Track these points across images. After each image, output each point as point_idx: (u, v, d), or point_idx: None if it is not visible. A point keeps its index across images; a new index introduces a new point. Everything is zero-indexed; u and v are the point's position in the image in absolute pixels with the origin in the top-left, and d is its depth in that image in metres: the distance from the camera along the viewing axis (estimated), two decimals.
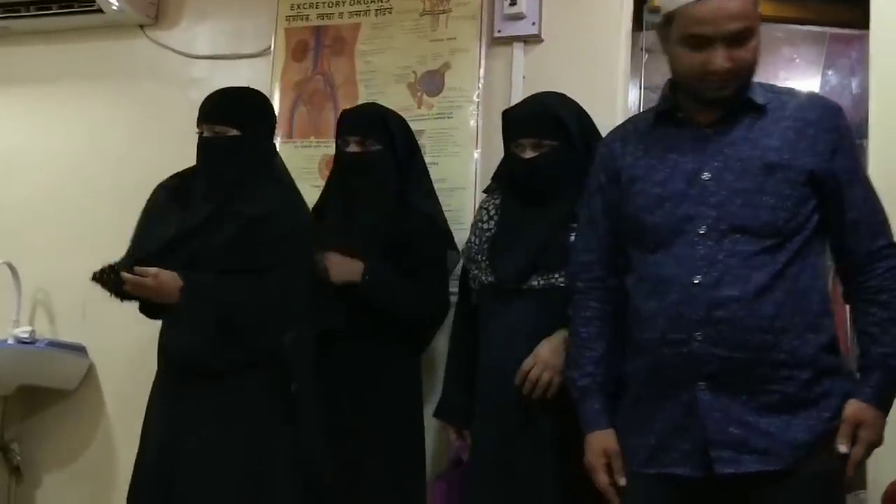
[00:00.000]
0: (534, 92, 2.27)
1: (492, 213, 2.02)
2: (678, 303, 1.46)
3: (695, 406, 1.45)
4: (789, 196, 1.47)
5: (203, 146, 2.03)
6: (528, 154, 1.94)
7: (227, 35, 2.78)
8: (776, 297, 1.44)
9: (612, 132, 1.73)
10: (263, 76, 2.62)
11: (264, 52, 2.68)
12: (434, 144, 2.43)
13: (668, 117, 1.59)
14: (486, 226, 2.01)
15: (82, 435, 2.77)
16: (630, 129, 1.67)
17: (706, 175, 1.50)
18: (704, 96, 1.52)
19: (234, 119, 2.01)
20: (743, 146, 1.50)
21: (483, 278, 1.97)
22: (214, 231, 1.94)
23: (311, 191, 2.48)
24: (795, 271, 1.46)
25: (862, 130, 2.08)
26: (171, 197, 2.06)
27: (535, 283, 1.88)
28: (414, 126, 2.44)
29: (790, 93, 1.59)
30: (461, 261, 2.16)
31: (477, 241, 2.01)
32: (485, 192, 2.13)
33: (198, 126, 2.05)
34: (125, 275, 1.89)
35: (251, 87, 2.17)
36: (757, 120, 1.52)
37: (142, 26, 2.84)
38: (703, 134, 1.54)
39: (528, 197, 1.96)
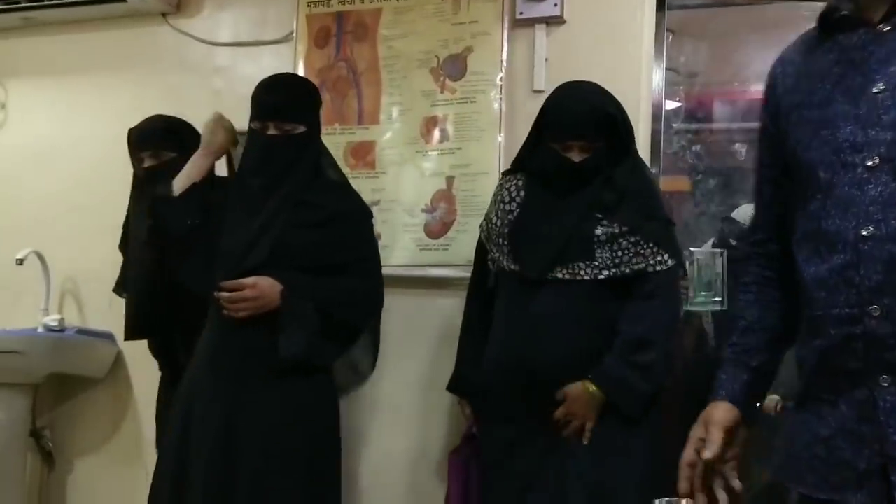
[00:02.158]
0: (556, 74, 2.27)
1: (514, 194, 1.99)
2: (844, 266, 1.11)
3: (873, 407, 1.10)
4: None
5: (268, 143, 1.98)
6: (577, 157, 1.91)
7: (248, 22, 2.78)
8: None
9: (780, 54, 1.33)
10: (286, 63, 2.62)
11: (286, 39, 2.68)
12: (458, 129, 2.42)
13: (835, 22, 1.21)
14: (507, 207, 1.98)
15: (112, 421, 2.81)
16: (796, 44, 1.30)
17: (878, 86, 1.12)
18: None
19: (302, 116, 2.00)
20: None
21: (505, 264, 1.96)
22: (294, 223, 1.94)
23: None
24: None
25: None
26: (236, 201, 2.05)
27: (559, 274, 1.88)
28: (437, 111, 2.46)
29: None
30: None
31: (498, 223, 1.99)
32: (504, 174, 2.10)
33: (257, 121, 1.99)
34: (223, 295, 1.88)
35: (299, 75, 2.15)
36: None
37: (164, 14, 2.85)
38: (875, 33, 1.16)
39: (560, 189, 1.94)
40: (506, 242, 1.96)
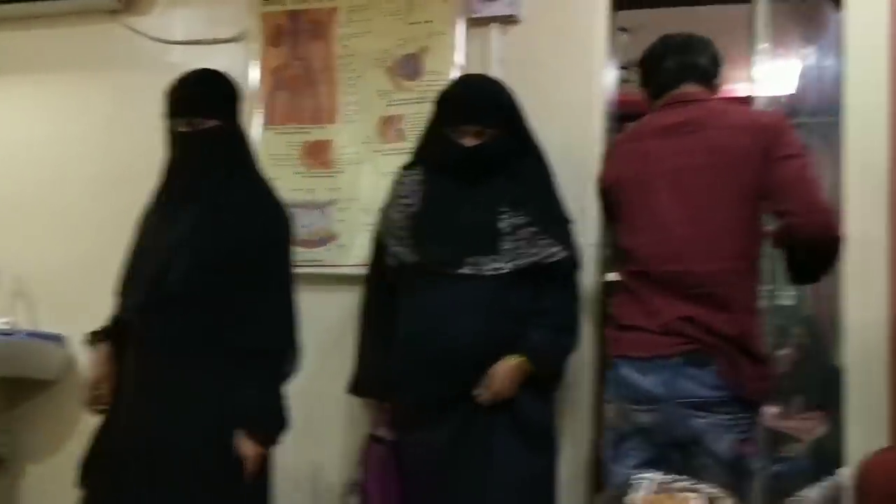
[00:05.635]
0: (512, 73, 2.29)
1: (413, 188, 2.01)
2: None
3: None
4: None
5: (180, 141, 1.92)
6: (470, 142, 1.94)
7: (202, 20, 2.74)
8: None
9: None
10: (240, 62, 2.59)
11: (241, 37, 2.65)
12: (414, 129, 2.41)
13: None
14: (407, 201, 2.01)
15: (65, 424, 2.76)
16: None
17: None
18: None
19: (213, 109, 1.93)
20: None
21: (408, 258, 1.98)
22: (206, 232, 1.88)
23: (293, 178, 2.50)
24: None
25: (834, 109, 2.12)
26: (155, 209, 1.99)
27: (463, 269, 1.91)
28: (394, 111, 2.46)
29: None
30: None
31: (398, 217, 2.01)
32: (404, 168, 2.10)
33: (168, 119, 1.94)
34: None
35: (212, 69, 2.05)
36: None
37: (114, 11, 2.80)
38: None
39: (460, 179, 1.97)
40: (407, 236, 1.98)
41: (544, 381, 1.95)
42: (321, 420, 2.38)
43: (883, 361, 1.97)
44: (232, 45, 2.66)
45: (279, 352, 1.90)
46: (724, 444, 1.77)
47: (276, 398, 1.88)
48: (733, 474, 1.74)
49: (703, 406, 1.77)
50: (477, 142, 1.94)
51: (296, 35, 2.57)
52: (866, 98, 2.04)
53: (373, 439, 2.05)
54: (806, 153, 1.83)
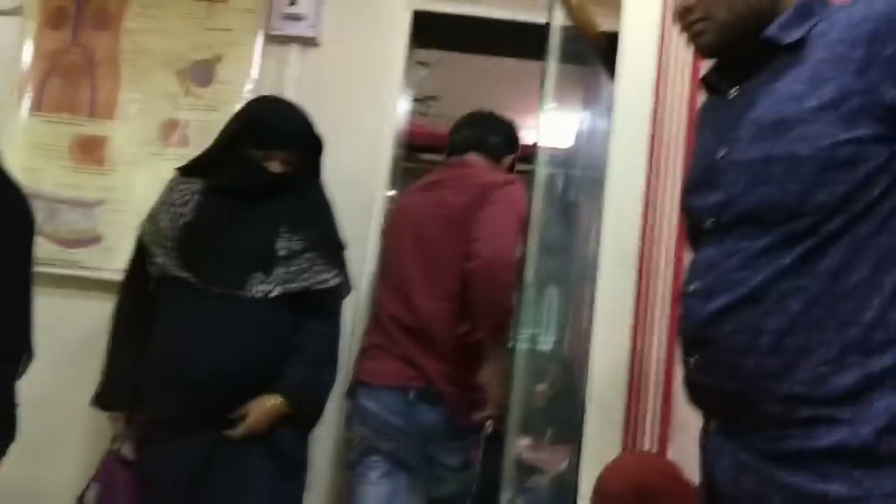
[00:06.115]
0: (306, 94, 2.28)
1: (187, 198, 1.93)
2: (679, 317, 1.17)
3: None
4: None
5: None
6: (277, 167, 1.93)
7: None
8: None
9: None
10: (12, 38, 2.40)
11: (15, 12, 2.44)
12: (199, 136, 2.33)
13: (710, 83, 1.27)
14: (180, 210, 1.92)
15: None
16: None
17: (721, 152, 1.14)
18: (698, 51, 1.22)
19: None
20: (763, 102, 1.11)
21: (173, 271, 1.89)
22: None
23: (58, 171, 2.34)
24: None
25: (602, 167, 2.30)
26: None
27: (230, 289, 1.86)
28: (179, 115, 2.37)
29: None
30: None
31: (168, 226, 1.92)
32: (180, 172, 2.00)
33: None
34: None
35: None
36: (792, 64, 1.10)
37: None
38: (727, 98, 1.20)
39: (248, 199, 1.92)
40: (175, 248, 1.90)
41: (303, 418, 1.93)
42: (59, 433, 2.23)
43: (621, 399, 2.13)
44: (3, 18, 2.44)
45: (11, 355, 1.75)
46: (454, 459, 2.10)
47: (5, 404, 1.72)
48: (463, 474, 2.10)
49: (436, 437, 2.06)
50: (285, 169, 1.93)
51: (79, 20, 2.41)
52: (627, 160, 2.22)
53: (113, 455, 1.94)
54: (515, 206, 2.08)
